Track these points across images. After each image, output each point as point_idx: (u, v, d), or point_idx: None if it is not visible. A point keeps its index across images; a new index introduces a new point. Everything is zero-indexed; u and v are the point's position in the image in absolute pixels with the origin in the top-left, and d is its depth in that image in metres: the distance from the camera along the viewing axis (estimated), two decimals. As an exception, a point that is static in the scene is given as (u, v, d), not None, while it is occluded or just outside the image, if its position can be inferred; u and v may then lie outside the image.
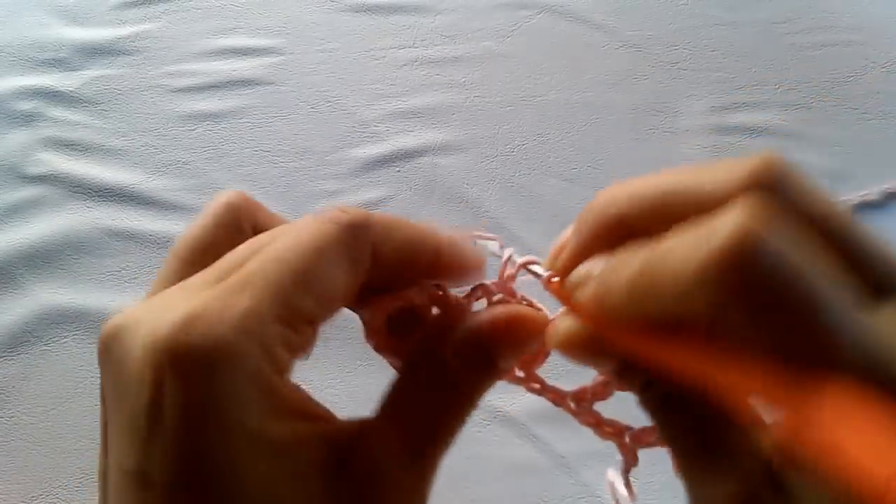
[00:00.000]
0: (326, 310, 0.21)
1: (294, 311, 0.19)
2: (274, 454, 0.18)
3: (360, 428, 0.21)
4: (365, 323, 0.25)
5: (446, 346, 0.23)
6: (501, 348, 0.24)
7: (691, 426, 0.21)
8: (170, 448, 0.18)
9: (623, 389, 0.25)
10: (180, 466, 0.18)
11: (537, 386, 0.26)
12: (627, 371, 0.22)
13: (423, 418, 0.22)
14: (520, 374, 0.26)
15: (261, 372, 0.19)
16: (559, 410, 0.27)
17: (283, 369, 0.20)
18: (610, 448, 0.28)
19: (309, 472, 0.19)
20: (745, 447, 0.19)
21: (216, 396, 0.18)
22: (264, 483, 0.18)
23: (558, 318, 0.23)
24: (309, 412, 0.21)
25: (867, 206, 0.61)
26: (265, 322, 0.19)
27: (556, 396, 0.26)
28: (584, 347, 0.22)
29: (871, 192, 0.61)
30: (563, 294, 0.23)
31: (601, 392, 0.26)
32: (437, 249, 0.25)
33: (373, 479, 0.20)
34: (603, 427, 0.26)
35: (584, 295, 0.21)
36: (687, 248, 0.17)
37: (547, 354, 0.26)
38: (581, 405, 0.27)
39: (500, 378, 0.24)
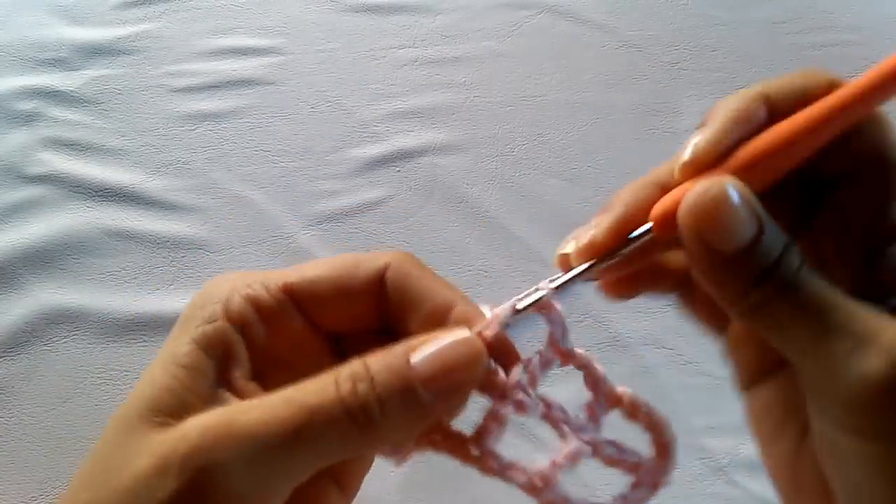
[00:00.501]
0: None
1: None
2: None
3: None
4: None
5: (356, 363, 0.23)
6: (428, 382, 0.22)
7: (826, 304, 0.20)
8: None
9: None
10: None
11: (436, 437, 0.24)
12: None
13: None
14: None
15: None
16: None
17: None
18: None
19: None
20: (888, 322, 0.20)
21: None
22: None
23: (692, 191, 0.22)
24: None
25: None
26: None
27: (456, 444, 0.24)
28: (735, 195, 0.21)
29: None
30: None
31: (496, 424, 0.24)
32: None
33: None
34: (510, 472, 0.24)
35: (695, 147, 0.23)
36: None
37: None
38: (482, 447, 0.24)
39: (427, 415, 0.23)
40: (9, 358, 0.55)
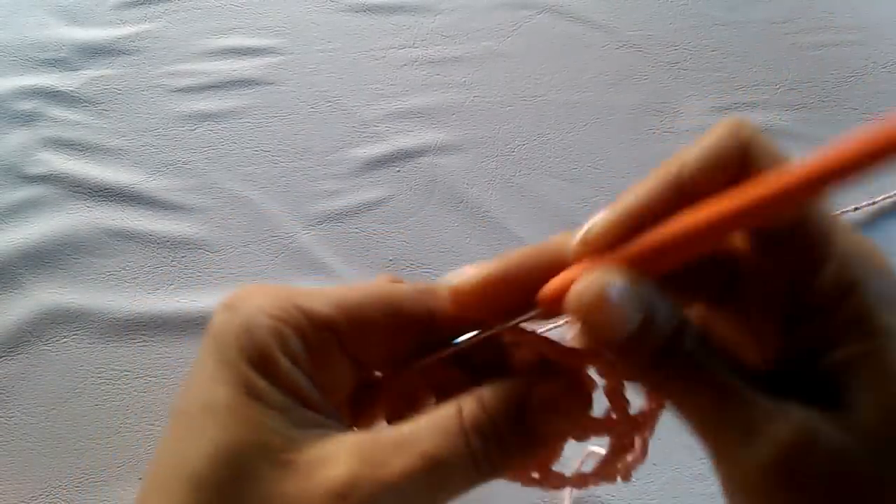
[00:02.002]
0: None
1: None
2: None
3: None
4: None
5: (469, 399, 0.23)
6: (545, 418, 0.23)
7: (719, 390, 0.21)
8: None
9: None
10: None
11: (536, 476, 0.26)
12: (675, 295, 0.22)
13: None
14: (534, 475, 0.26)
15: None
16: None
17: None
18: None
19: None
20: (776, 411, 0.20)
21: None
22: None
23: (574, 289, 0.22)
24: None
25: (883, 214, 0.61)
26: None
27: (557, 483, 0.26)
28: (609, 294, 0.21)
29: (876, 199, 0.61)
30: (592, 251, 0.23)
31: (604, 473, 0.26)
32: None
33: None
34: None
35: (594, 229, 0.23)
36: None
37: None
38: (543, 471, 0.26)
39: (539, 450, 0.24)
40: (9, 358, 0.55)
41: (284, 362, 0.22)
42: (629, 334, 0.21)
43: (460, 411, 0.22)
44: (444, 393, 0.24)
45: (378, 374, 0.26)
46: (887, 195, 0.62)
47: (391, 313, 0.24)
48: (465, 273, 0.24)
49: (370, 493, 0.20)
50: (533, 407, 0.23)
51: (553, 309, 0.23)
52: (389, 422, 0.26)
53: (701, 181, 0.22)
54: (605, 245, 0.22)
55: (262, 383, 0.22)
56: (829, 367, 0.21)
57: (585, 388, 0.24)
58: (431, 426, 0.22)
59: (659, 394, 0.22)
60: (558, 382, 0.23)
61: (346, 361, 0.24)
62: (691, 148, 0.23)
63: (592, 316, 0.21)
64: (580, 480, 0.26)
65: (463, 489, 0.22)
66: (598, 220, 0.23)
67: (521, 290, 0.23)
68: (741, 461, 0.20)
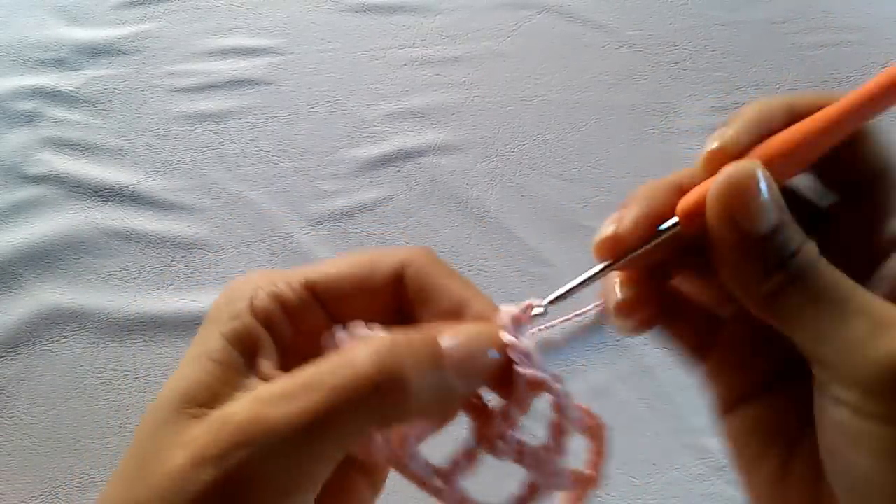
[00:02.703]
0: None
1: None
2: None
3: None
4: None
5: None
6: (454, 361, 0.23)
7: (844, 292, 0.21)
8: None
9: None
10: None
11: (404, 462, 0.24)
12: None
13: None
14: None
15: None
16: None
17: None
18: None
19: None
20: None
21: None
22: None
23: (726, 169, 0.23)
24: None
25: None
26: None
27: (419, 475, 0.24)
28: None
29: None
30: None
31: (468, 462, 0.25)
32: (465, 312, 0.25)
33: None
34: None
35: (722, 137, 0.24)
36: None
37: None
38: (449, 481, 0.24)
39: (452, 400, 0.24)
40: (9, 358, 0.55)
41: (246, 320, 0.24)
42: (766, 231, 0.22)
43: (372, 349, 0.22)
44: None
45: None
46: None
47: (360, 273, 0.25)
48: (612, 222, 0.24)
49: (269, 430, 0.20)
50: (444, 350, 0.22)
51: (693, 219, 0.23)
52: None
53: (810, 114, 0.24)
54: (738, 152, 0.23)
55: (215, 342, 0.23)
56: None
57: (490, 334, 0.23)
58: (339, 363, 0.22)
59: (768, 309, 0.22)
60: (471, 330, 0.23)
61: (327, 322, 0.25)
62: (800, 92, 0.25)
63: (739, 202, 0.22)
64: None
65: (369, 420, 0.21)
66: (726, 130, 0.24)
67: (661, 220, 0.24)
68: (869, 357, 0.20)
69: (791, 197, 0.24)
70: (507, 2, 0.76)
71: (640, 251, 0.24)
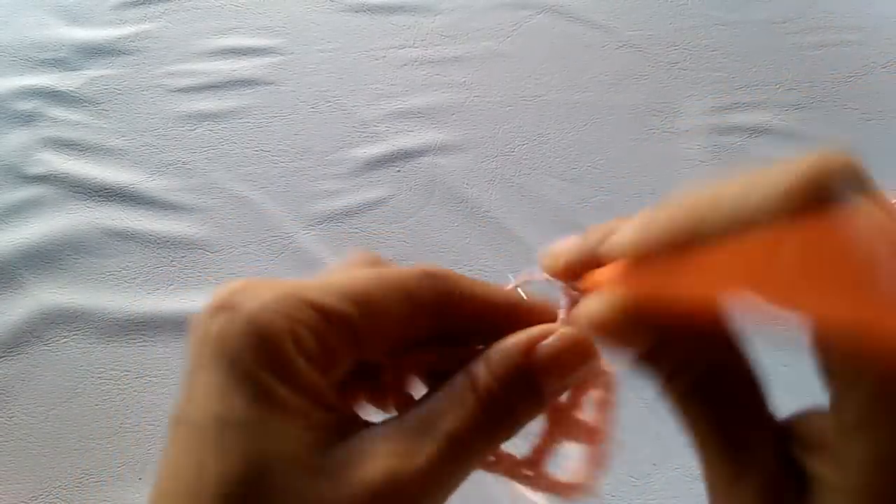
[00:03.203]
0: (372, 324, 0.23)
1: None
2: None
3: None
4: (385, 380, 0.24)
5: (480, 365, 0.22)
6: (549, 376, 0.23)
7: (716, 418, 0.21)
8: None
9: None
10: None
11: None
12: (660, 351, 0.22)
13: (447, 445, 0.22)
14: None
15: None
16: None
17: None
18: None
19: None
20: (767, 441, 0.20)
21: None
22: None
23: (584, 302, 0.22)
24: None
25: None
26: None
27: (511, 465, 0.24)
28: (618, 322, 0.21)
29: None
30: (588, 270, 0.23)
31: (547, 448, 0.25)
32: (506, 314, 0.25)
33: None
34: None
35: (622, 237, 0.21)
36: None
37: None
38: (536, 469, 0.24)
39: (543, 410, 0.23)
40: (9, 358, 0.55)
41: (302, 365, 0.21)
42: (641, 354, 0.21)
43: (473, 381, 0.22)
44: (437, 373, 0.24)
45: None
46: None
47: (404, 299, 0.23)
48: (559, 248, 0.24)
49: (408, 488, 0.20)
50: (538, 363, 0.22)
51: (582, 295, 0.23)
52: (398, 408, 0.26)
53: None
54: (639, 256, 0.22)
55: (281, 390, 0.20)
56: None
57: (588, 343, 0.23)
58: (448, 402, 0.22)
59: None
60: (560, 336, 0.23)
61: (356, 354, 0.23)
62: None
63: (605, 334, 0.21)
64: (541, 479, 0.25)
65: (483, 457, 0.22)
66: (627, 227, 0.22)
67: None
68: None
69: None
70: (507, 2, 0.76)
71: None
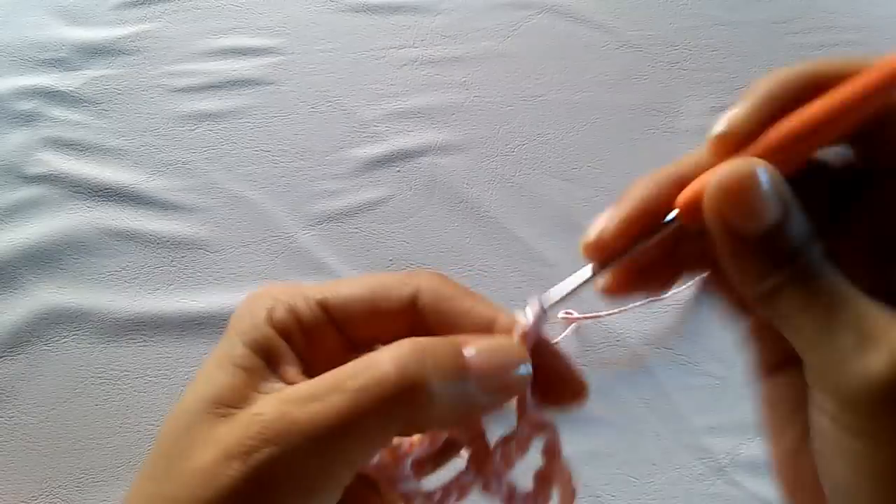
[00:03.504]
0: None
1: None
2: None
3: None
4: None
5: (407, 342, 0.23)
6: (479, 372, 0.23)
7: (838, 297, 0.20)
8: None
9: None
10: None
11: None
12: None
13: None
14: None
15: None
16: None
17: None
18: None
19: None
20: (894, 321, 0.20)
21: None
22: None
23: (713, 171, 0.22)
24: None
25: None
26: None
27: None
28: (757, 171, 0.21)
29: None
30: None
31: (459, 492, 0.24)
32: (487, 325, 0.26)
33: None
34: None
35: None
36: None
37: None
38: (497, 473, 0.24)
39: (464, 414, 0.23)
40: (9, 358, 0.55)
41: (266, 331, 0.24)
42: (766, 229, 0.21)
43: (396, 353, 0.22)
44: None
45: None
46: None
47: (377, 295, 0.25)
48: (599, 224, 0.24)
49: (294, 430, 0.21)
50: (468, 358, 0.23)
51: (694, 212, 0.22)
52: None
53: (833, 84, 0.22)
54: (747, 135, 0.22)
55: (239, 349, 0.24)
56: None
57: (517, 349, 0.23)
58: (364, 366, 0.22)
59: (765, 307, 0.22)
60: (496, 339, 0.24)
61: (339, 340, 0.26)
62: (821, 60, 0.23)
63: (735, 203, 0.21)
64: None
65: (394, 425, 0.22)
66: (735, 112, 0.23)
67: (659, 218, 0.23)
68: (850, 371, 0.19)
69: (820, 172, 0.23)
70: (507, 2, 0.76)
71: (638, 247, 0.23)
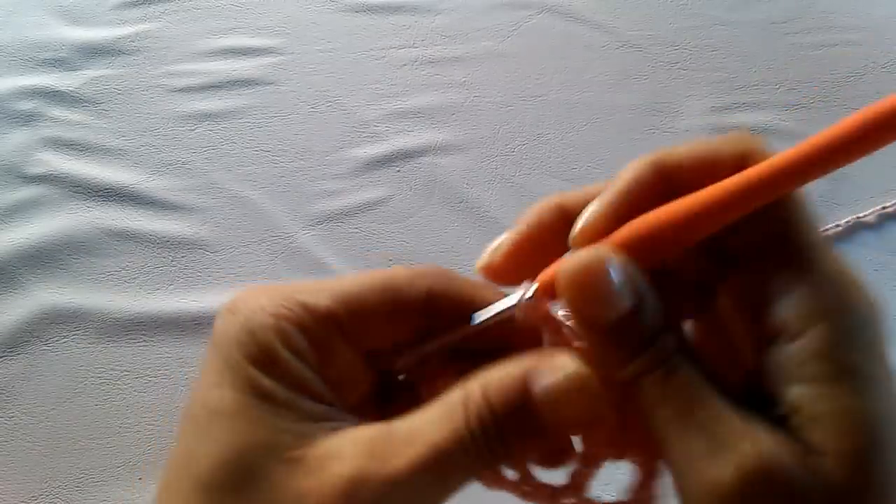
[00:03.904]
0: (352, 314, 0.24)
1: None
2: None
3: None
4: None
5: (475, 387, 0.22)
6: (552, 413, 0.22)
7: (691, 397, 0.20)
8: None
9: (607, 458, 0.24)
10: None
11: (526, 487, 0.25)
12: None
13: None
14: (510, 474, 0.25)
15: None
16: None
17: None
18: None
19: None
20: (744, 431, 0.20)
21: None
22: None
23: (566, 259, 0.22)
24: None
25: (862, 227, 0.61)
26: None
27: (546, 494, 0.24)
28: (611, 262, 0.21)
29: (867, 213, 0.61)
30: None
31: (590, 465, 0.25)
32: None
33: None
34: None
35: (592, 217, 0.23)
36: None
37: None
38: (578, 495, 0.25)
39: (545, 441, 0.23)
40: (9, 358, 0.55)
41: (288, 357, 0.22)
42: (617, 318, 0.20)
43: (465, 401, 0.22)
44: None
45: (403, 368, 0.26)
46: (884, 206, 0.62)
47: (389, 298, 0.24)
48: (495, 245, 0.24)
49: (377, 489, 0.20)
50: (535, 396, 0.22)
51: (552, 293, 0.23)
52: None
53: (690, 176, 0.22)
54: (602, 231, 0.22)
55: (266, 381, 0.22)
56: (794, 399, 0.20)
57: (593, 379, 0.22)
58: (437, 417, 0.22)
59: (628, 391, 0.21)
60: (564, 371, 0.22)
61: (351, 352, 0.25)
62: (686, 144, 0.23)
63: (584, 293, 0.21)
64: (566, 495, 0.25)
65: (468, 479, 0.22)
66: (591, 208, 0.23)
67: (550, 247, 0.24)
68: (700, 476, 0.19)
69: (682, 267, 0.23)
70: (507, 2, 0.76)
71: (502, 311, 0.24)
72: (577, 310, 0.21)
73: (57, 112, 0.68)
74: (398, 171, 0.65)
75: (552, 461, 0.25)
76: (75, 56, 0.72)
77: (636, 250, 0.21)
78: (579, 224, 0.23)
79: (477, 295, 0.25)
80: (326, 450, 0.21)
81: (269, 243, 0.61)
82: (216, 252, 0.60)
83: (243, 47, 0.73)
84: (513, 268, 0.24)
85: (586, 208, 0.23)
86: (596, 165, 0.65)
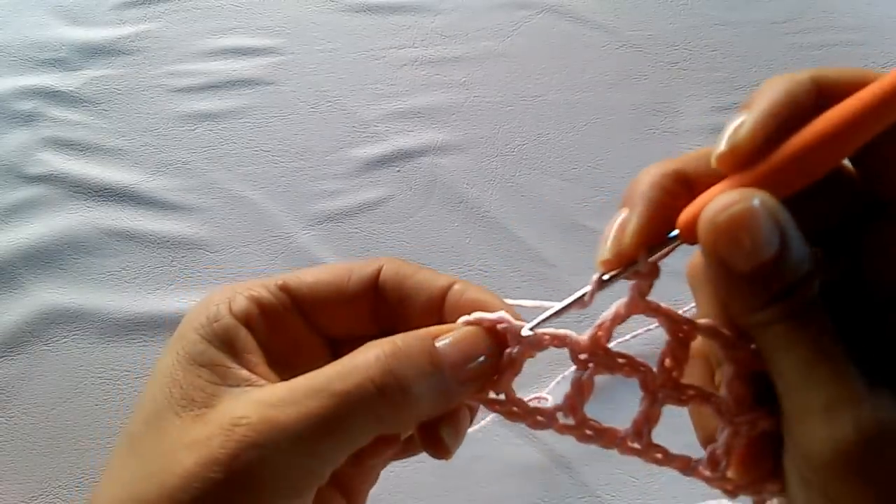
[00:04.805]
0: None
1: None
2: None
3: None
4: None
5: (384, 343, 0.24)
6: (451, 362, 0.24)
7: (820, 350, 0.20)
8: None
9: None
10: None
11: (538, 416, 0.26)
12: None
13: None
14: (496, 396, 0.25)
15: None
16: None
17: None
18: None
19: None
20: (867, 394, 0.19)
21: None
22: None
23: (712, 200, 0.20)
24: None
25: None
26: None
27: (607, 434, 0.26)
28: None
29: None
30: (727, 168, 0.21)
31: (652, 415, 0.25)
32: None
33: None
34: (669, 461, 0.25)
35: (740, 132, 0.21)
36: None
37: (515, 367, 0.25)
38: (641, 440, 0.25)
39: (448, 397, 0.24)
40: (9, 358, 0.55)
41: (229, 323, 0.25)
42: (760, 264, 0.19)
43: (374, 356, 0.23)
44: None
45: None
46: None
47: (336, 284, 0.26)
48: (615, 236, 0.23)
49: (269, 436, 0.21)
50: (439, 350, 0.23)
51: (694, 234, 0.21)
52: None
53: (842, 94, 0.20)
54: (752, 152, 0.20)
55: (200, 345, 0.24)
56: None
57: (483, 333, 0.24)
58: (346, 368, 0.23)
59: (756, 338, 0.21)
60: (467, 333, 0.24)
61: (304, 325, 0.26)
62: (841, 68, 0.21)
63: (727, 240, 0.20)
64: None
65: (375, 424, 0.22)
66: (740, 125, 0.21)
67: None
68: (817, 429, 0.19)
69: (828, 194, 0.22)
70: (507, 2, 0.76)
71: (640, 265, 0.23)
72: (720, 255, 0.20)
73: (57, 112, 0.68)
74: (398, 171, 0.65)
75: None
76: (75, 56, 0.72)
77: (786, 179, 0.20)
78: (724, 144, 0.21)
79: (423, 279, 0.26)
80: (228, 406, 0.22)
81: (269, 243, 0.61)
82: (216, 252, 0.60)
83: (243, 47, 0.73)
84: (635, 255, 0.22)
85: (733, 122, 0.21)
86: (596, 165, 0.65)
